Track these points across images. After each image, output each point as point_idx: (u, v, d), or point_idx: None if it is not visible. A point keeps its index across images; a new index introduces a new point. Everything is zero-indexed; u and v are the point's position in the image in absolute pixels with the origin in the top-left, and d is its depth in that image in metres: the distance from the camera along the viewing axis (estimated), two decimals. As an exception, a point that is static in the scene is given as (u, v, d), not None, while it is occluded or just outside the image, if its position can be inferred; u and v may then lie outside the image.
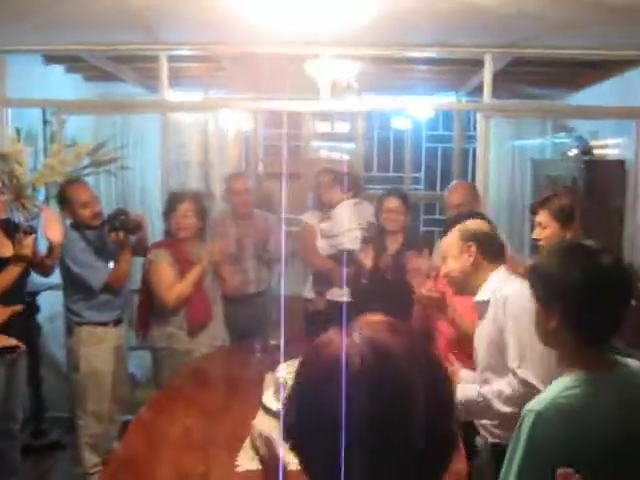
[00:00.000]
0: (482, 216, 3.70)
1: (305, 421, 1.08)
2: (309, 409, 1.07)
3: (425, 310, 3.60)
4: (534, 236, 3.21)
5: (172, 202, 4.08)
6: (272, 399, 3.06)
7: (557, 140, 6.30)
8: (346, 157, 7.40)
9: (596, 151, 5.44)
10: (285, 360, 3.59)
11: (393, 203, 4.29)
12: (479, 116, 4.77)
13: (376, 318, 1.15)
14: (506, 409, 2.54)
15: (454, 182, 4.39)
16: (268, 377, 3.42)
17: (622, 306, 1.84)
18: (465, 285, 2.84)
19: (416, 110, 6.34)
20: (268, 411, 2.99)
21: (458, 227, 2.87)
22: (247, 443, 2.69)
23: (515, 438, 1.80)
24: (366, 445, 1.00)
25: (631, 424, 1.75)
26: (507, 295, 2.59)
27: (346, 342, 1.06)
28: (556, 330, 1.84)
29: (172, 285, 3.89)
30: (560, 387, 1.79)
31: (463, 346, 3.42)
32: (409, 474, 1.04)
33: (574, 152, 5.52)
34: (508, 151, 6.63)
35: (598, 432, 1.73)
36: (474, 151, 7.12)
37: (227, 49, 4.68)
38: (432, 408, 1.03)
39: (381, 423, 1.00)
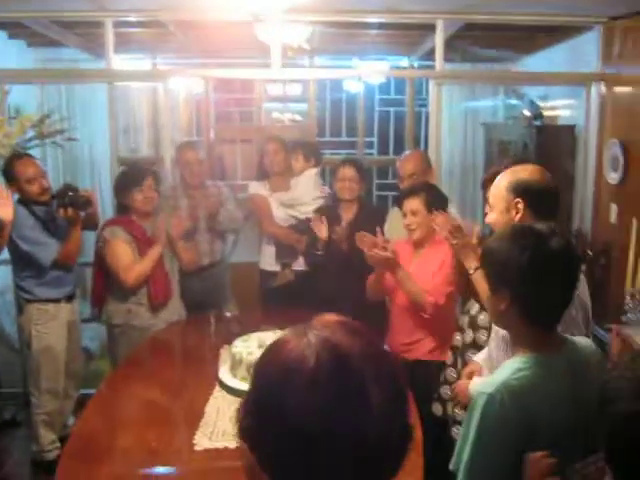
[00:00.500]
0: (436, 188, 3.73)
1: (263, 423, 1.06)
2: (267, 411, 1.06)
3: (378, 273, 3.61)
4: (486, 210, 3.16)
5: (133, 177, 3.94)
6: (228, 375, 3.05)
7: (508, 103, 6.32)
8: (298, 118, 7.37)
9: (546, 113, 5.48)
10: (241, 333, 3.65)
11: (348, 172, 4.25)
12: (431, 83, 4.76)
13: (333, 318, 1.13)
14: None
15: (407, 151, 4.37)
16: (224, 351, 3.42)
17: (570, 289, 1.89)
18: None
19: (368, 77, 6.29)
20: (224, 387, 2.99)
21: (508, 176, 2.52)
22: (204, 421, 2.72)
23: (468, 418, 1.84)
24: (324, 444, 1.00)
25: (580, 401, 1.79)
26: None
27: (302, 342, 1.05)
28: (506, 312, 1.88)
29: (131, 265, 3.80)
30: (511, 369, 1.83)
31: (416, 312, 3.47)
32: (365, 470, 1.05)
33: (525, 116, 5.56)
34: (460, 114, 6.63)
35: (549, 412, 1.77)
36: (427, 114, 7.14)
37: (175, 15, 4.57)
38: (387, 405, 1.03)
39: (337, 421, 1.00)
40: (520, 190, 2.45)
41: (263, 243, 4.75)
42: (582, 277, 2.40)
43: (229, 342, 3.51)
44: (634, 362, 1.08)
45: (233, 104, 7.61)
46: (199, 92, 7.03)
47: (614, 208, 4.42)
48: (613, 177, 4.37)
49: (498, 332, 2.46)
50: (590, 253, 4.39)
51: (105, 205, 5.56)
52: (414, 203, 3.51)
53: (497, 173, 3.10)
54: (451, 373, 3.27)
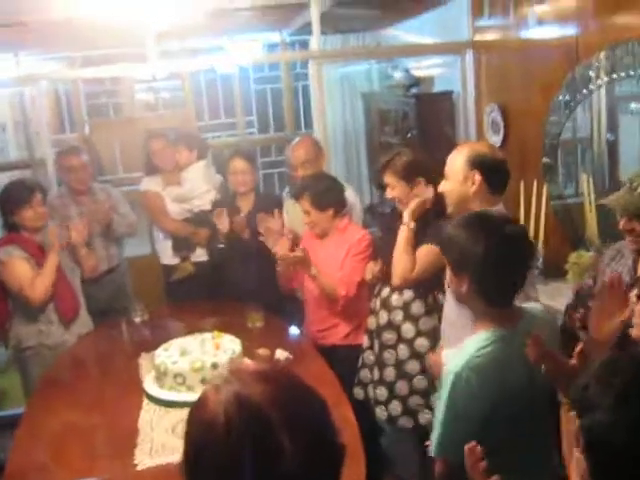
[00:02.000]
0: (332, 178, 3.77)
1: (192, 475, 1.18)
2: (197, 470, 1.17)
3: (288, 269, 3.65)
4: (387, 195, 3.26)
5: (20, 195, 3.74)
6: (154, 386, 3.02)
7: (384, 71, 6.43)
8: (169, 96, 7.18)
9: (420, 76, 5.62)
10: (156, 339, 3.61)
11: (239, 164, 4.24)
12: (311, 63, 4.78)
13: (249, 368, 1.25)
14: None
15: (297, 139, 4.36)
16: (144, 361, 3.37)
17: (525, 270, 2.08)
18: (462, 211, 2.61)
19: (244, 61, 6.23)
20: (152, 399, 2.96)
21: (466, 149, 2.71)
22: (140, 438, 2.68)
23: (439, 398, 2.00)
24: None
25: (536, 372, 1.92)
26: None
27: (216, 399, 1.15)
28: (466, 293, 2.03)
29: (34, 280, 3.65)
30: (474, 347, 1.98)
31: (329, 302, 3.54)
32: None
33: (401, 84, 5.69)
34: (337, 83, 6.68)
35: (512, 384, 1.92)
36: (303, 89, 7.19)
37: (41, 17, 4.35)
38: (301, 445, 1.12)
39: (252, 468, 1.10)
40: (478, 163, 2.63)
41: (160, 238, 4.70)
42: None
43: (146, 350, 3.47)
44: (607, 369, 1.16)
45: (104, 96, 7.37)
46: (66, 86, 6.78)
47: (498, 169, 4.61)
48: (495, 140, 4.55)
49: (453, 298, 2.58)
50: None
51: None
52: (304, 204, 3.57)
53: (389, 161, 3.21)
54: (369, 356, 3.34)
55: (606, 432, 1.07)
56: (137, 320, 3.93)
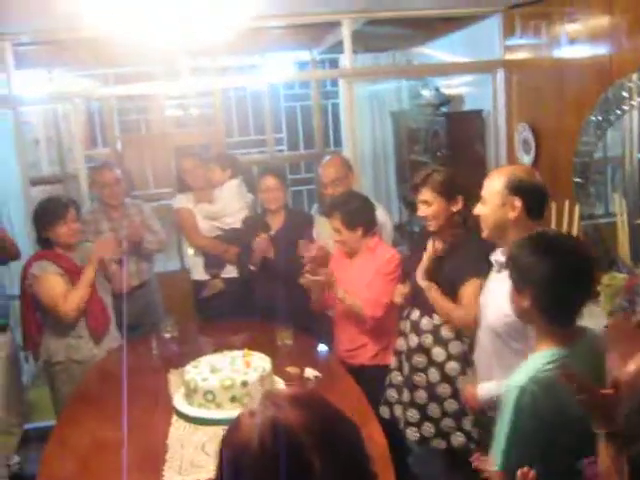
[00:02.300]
0: (363, 197, 3.77)
1: None
2: None
3: (315, 292, 3.67)
4: (420, 214, 3.22)
5: (54, 211, 3.78)
6: (184, 403, 3.03)
7: (414, 89, 6.43)
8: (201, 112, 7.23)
9: (451, 94, 5.62)
10: (185, 355, 3.62)
11: (269, 181, 4.27)
12: (342, 81, 4.80)
13: (282, 393, 1.28)
14: None
15: (327, 157, 4.39)
16: (173, 377, 3.39)
17: (587, 287, 2.11)
18: (498, 235, 2.68)
19: (276, 80, 6.28)
20: (182, 416, 2.97)
21: (506, 174, 2.65)
22: (169, 455, 2.69)
23: (502, 412, 2.00)
24: None
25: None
26: None
27: (251, 424, 1.19)
28: (529, 310, 2.07)
29: (67, 295, 3.69)
30: (539, 363, 2.00)
31: (357, 322, 3.54)
32: None
33: (431, 103, 5.69)
34: (366, 101, 6.70)
35: (575, 405, 1.88)
36: (333, 106, 7.23)
37: (71, 34, 4.43)
38: (332, 470, 1.15)
39: None
40: (518, 189, 2.59)
41: (192, 254, 4.72)
42: None
43: (175, 366, 3.49)
44: None
45: (135, 112, 7.45)
46: (99, 102, 6.86)
47: (529, 190, 4.59)
48: (526, 160, 4.54)
49: (489, 323, 2.67)
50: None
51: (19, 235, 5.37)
52: (334, 222, 3.58)
53: (428, 176, 3.20)
54: (397, 377, 3.34)
55: None
56: (167, 336, 3.95)
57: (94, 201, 4.78)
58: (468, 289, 2.98)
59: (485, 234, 2.73)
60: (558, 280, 2.01)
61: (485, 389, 2.71)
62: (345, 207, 3.57)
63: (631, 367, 1.67)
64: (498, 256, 2.69)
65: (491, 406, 2.63)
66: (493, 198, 2.63)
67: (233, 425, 1.22)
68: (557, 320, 2.08)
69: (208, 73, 5.99)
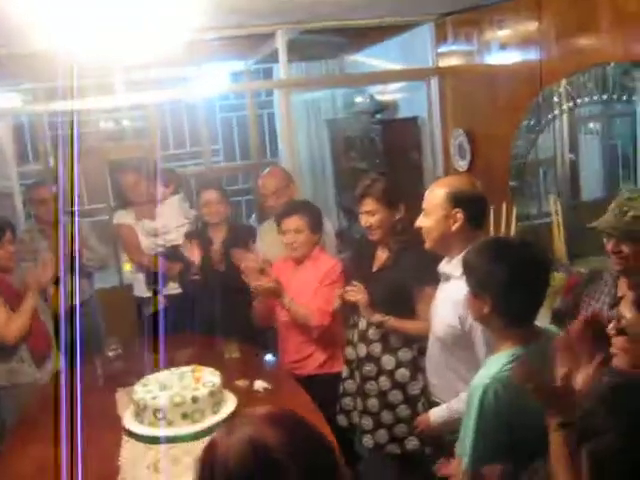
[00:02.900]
0: (314, 207, 3.78)
1: None
2: None
3: (264, 302, 3.65)
4: (363, 224, 3.24)
5: None
6: (134, 422, 2.98)
7: (348, 97, 6.49)
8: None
9: (386, 99, 5.69)
10: (132, 373, 3.56)
11: (210, 195, 4.26)
12: (278, 91, 4.81)
13: (257, 412, 1.27)
14: None
15: (266, 169, 4.42)
16: (120, 396, 3.34)
17: (544, 288, 2.16)
18: (441, 247, 2.72)
19: (211, 92, 6.24)
20: (133, 435, 2.92)
21: (447, 186, 2.67)
22: (121, 476, 2.64)
23: (467, 413, 2.05)
24: None
25: None
26: None
27: (227, 444, 1.18)
28: (489, 315, 2.11)
29: (7, 321, 3.58)
30: (500, 363, 2.05)
31: (303, 331, 3.55)
32: None
33: (366, 111, 5.74)
34: (301, 110, 6.72)
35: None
36: (269, 116, 7.23)
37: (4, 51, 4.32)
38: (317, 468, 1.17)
39: None
40: (460, 201, 2.62)
41: (129, 270, 4.67)
42: None
43: (122, 385, 3.44)
44: (616, 396, 1.19)
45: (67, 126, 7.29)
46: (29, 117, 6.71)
47: (466, 194, 4.68)
48: (461, 164, 4.62)
49: (436, 333, 2.72)
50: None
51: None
52: (297, 222, 3.56)
53: (368, 186, 3.23)
54: (350, 385, 3.35)
55: (616, 456, 1.09)
56: (110, 354, 3.86)
57: (29, 219, 4.67)
58: (425, 299, 3.00)
59: (428, 246, 2.76)
60: (516, 284, 2.06)
61: (436, 414, 2.76)
62: (309, 210, 3.63)
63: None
64: (443, 266, 2.74)
65: (444, 429, 2.70)
66: (435, 210, 2.65)
67: (209, 444, 1.21)
68: (517, 322, 2.13)
69: (142, 86, 5.91)
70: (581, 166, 4.18)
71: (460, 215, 2.60)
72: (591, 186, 4.34)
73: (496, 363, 2.08)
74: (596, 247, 2.65)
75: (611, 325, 1.72)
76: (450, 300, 2.62)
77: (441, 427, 2.71)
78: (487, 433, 2.01)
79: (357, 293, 3.18)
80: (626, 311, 1.67)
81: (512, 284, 2.06)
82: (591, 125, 4.23)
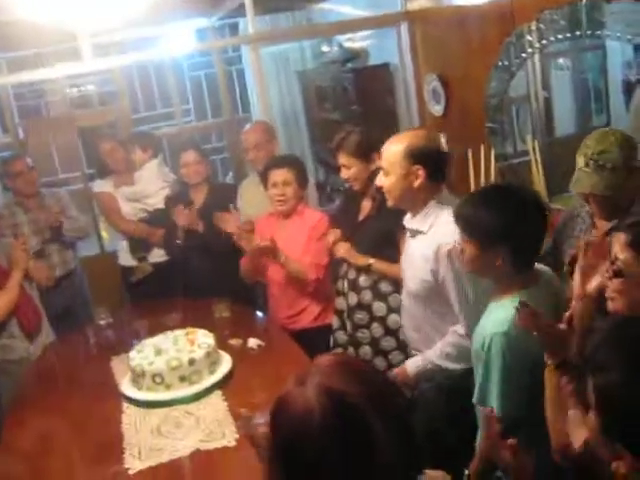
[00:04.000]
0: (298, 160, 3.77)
1: (288, 468, 1.18)
2: (289, 459, 1.18)
3: (254, 259, 3.66)
4: (342, 176, 3.24)
5: None
6: (133, 388, 3.00)
7: (317, 47, 6.41)
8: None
9: (355, 47, 5.64)
10: (125, 340, 3.58)
11: (190, 156, 4.21)
12: (248, 47, 4.75)
13: (326, 361, 1.25)
14: (456, 366, 2.64)
15: (251, 123, 4.39)
16: (116, 364, 3.35)
17: (545, 231, 2.20)
18: (404, 204, 2.70)
19: (178, 52, 6.14)
20: (132, 401, 2.94)
21: (404, 142, 2.58)
22: (126, 442, 2.67)
23: (486, 360, 2.07)
24: (338, 477, 1.14)
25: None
26: (449, 247, 2.49)
27: (304, 396, 1.16)
28: (501, 266, 2.10)
29: None
30: (511, 308, 2.01)
31: (295, 287, 3.57)
32: None
33: (337, 60, 5.69)
34: (271, 62, 6.63)
35: None
36: (237, 72, 7.15)
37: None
38: (392, 438, 1.15)
39: (348, 458, 1.13)
40: (419, 157, 2.56)
41: (117, 238, 4.65)
42: None
43: (116, 353, 3.45)
44: (618, 332, 1.22)
45: (34, 95, 7.18)
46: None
47: (443, 137, 4.68)
48: (437, 109, 4.62)
49: (409, 288, 2.73)
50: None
51: None
52: (286, 174, 3.54)
53: (343, 140, 3.22)
54: (341, 336, 3.37)
55: (618, 391, 1.13)
56: (101, 323, 3.87)
57: (6, 193, 4.62)
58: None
59: (391, 204, 2.73)
60: (528, 231, 2.11)
61: (412, 364, 2.80)
62: (297, 162, 3.65)
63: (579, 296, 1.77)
64: (409, 222, 2.74)
65: (422, 379, 2.76)
66: (394, 169, 2.59)
67: (284, 398, 1.20)
68: (524, 268, 2.16)
69: (107, 50, 5.80)
70: (554, 103, 4.19)
71: (421, 172, 2.56)
72: (565, 122, 4.37)
73: (505, 309, 2.09)
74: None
75: (604, 269, 1.74)
76: (421, 256, 2.64)
77: (418, 377, 2.76)
78: (512, 378, 2.05)
79: (340, 246, 3.21)
80: (619, 252, 1.68)
81: (525, 231, 2.09)
82: (561, 61, 4.24)
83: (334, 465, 1.12)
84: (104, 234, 5.86)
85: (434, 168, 2.59)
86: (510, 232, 2.07)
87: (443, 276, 2.56)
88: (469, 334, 2.47)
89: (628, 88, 3.88)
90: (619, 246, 1.69)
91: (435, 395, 2.72)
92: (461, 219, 2.19)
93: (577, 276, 1.82)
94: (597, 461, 1.23)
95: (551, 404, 1.73)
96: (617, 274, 1.69)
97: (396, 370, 2.90)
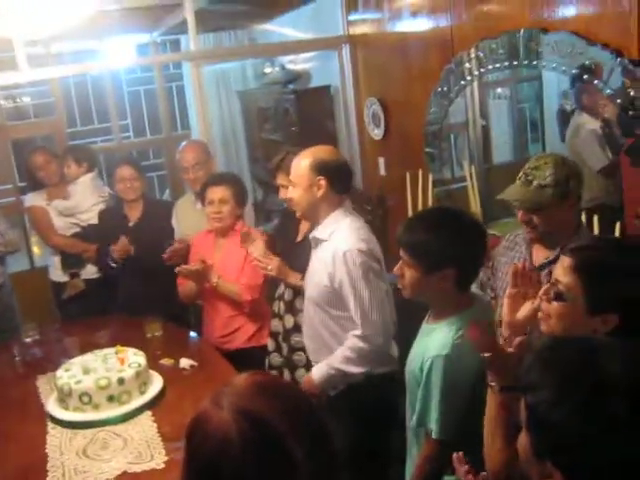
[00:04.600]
0: (242, 182, 3.75)
1: None
2: None
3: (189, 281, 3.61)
4: (281, 197, 3.25)
5: None
6: (58, 408, 2.90)
7: (259, 68, 6.40)
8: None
9: (297, 69, 5.66)
10: (51, 359, 3.47)
11: (126, 172, 4.14)
12: (189, 64, 4.71)
13: (241, 381, 1.23)
14: (357, 369, 2.70)
15: (185, 143, 4.33)
16: (42, 383, 3.25)
17: (484, 252, 2.25)
18: (308, 214, 2.85)
19: (118, 65, 6.06)
20: (57, 422, 2.84)
21: (309, 156, 2.77)
22: (50, 464, 2.57)
23: (425, 382, 2.08)
24: None
25: None
26: (344, 250, 2.65)
27: (221, 418, 1.13)
28: (444, 288, 2.13)
29: None
30: (450, 330, 2.09)
31: (229, 306, 3.53)
32: None
33: (278, 81, 5.69)
34: (211, 82, 6.59)
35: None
36: (177, 89, 7.09)
37: None
38: (310, 452, 1.14)
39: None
40: (322, 169, 2.73)
41: (48, 254, 4.53)
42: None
43: (42, 371, 3.35)
44: (550, 352, 1.23)
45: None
46: None
47: (382, 161, 4.73)
48: (377, 133, 4.66)
49: (308, 295, 2.84)
50: (369, 208, 4.65)
51: None
52: (223, 191, 3.54)
53: (282, 161, 3.23)
54: (276, 358, 3.32)
55: (549, 409, 1.14)
56: (28, 340, 3.75)
57: None
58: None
59: (299, 215, 2.91)
60: (472, 252, 2.15)
61: (317, 372, 2.82)
62: (236, 181, 3.66)
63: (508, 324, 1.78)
64: (313, 233, 2.84)
65: (327, 386, 2.79)
66: (301, 181, 2.77)
67: (200, 420, 1.16)
68: (464, 288, 2.19)
69: (44, 61, 5.69)
70: (492, 131, 4.27)
71: (323, 182, 2.72)
72: (501, 150, 4.45)
73: (447, 331, 2.11)
74: (508, 209, 2.75)
75: (542, 291, 1.74)
76: (321, 262, 2.75)
77: (324, 385, 2.79)
78: (452, 400, 2.05)
79: (268, 264, 3.18)
80: (562, 276, 1.69)
81: (467, 252, 2.13)
82: (499, 90, 4.33)
83: None
84: (35, 249, 5.71)
85: (336, 180, 2.75)
86: (456, 254, 2.10)
87: (340, 279, 2.66)
88: (367, 337, 2.63)
89: (563, 117, 3.96)
90: (562, 269, 1.69)
91: (341, 402, 2.79)
92: (405, 243, 2.18)
93: (506, 304, 1.82)
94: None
95: (489, 427, 1.73)
96: (557, 297, 1.69)
97: (304, 379, 2.92)
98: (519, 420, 1.26)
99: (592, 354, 1.19)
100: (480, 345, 1.70)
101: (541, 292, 1.74)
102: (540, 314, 1.73)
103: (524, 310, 1.77)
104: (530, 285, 1.81)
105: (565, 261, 1.70)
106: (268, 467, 1.10)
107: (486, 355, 1.68)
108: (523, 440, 1.23)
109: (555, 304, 1.70)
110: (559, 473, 1.14)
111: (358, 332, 2.66)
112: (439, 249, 2.10)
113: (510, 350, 1.68)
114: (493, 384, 1.70)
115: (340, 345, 2.75)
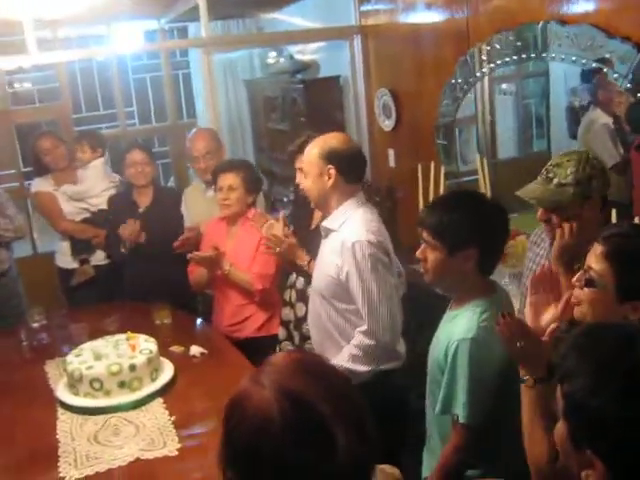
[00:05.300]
0: (254, 169, 3.74)
1: (246, 474, 1.14)
2: (247, 464, 1.13)
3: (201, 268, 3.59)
4: (297, 181, 3.20)
5: None
6: (69, 394, 2.88)
7: (265, 57, 6.37)
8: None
9: (306, 59, 5.63)
10: (59, 344, 3.46)
11: (137, 156, 4.09)
12: (200, 51, 4.67)
13: (281, 360, 1.21)
14: (364, 368, 2.63)
15: (194, 130, 4.30)
16: (50, 368, 3.23)
17: (508, 235, 2.25)
18: (320, 203, 2.79)
19: (127, 51, 6.02)
20: (68, 407, 2.83)
21: (320, 144, 2.70)
22: (62, 450, 2.55)
23: (451, 367, 2.05)
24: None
25: None
26: (353, 241, 2.58)
27: (261, 397, 1.11)
28: (468, 270, 2.11)
29: None
30: (476, 313, 2.07)
31: (240, 295, 3.51)
32: None
33: (286, 71, 5.66)
34: (218, 72, 6.54)
35: None
36: (183, 77, 7.06)
37: None
38: (351, 436, 1.11)
39: (308, 460, 1.09)
40: (332, 157, 2.65)
41: (56, 239, 4.50)
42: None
43: (51, 356, 3.33)
44: (587, 339, 1.22)
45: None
46: None
47: (392, 152, 4.71)
48: (387, 124, 4.63)
49: (315, 285, 2.79)
50: (377, 199, 4.62)
51: None
52: (232, 179, 3.51)
53: (304, 143, 3.17)
54: (287, 347, 3.30)
55: (586, 397, 1.13)
56: (35, 325, 3.72)
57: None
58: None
59: (313, 204, 2.87)
60: (496, 232, 2.14)
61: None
62: (247, 168, 3.62)
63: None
64: (323, 222, 2.79)
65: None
66: (311, 169, 2.71)
67: (240, 398, 1.14)
68: (487, 271, 2.18)
69: (51, 45, 5.65)
70: (497, 126, 4.25)
71: (333, 171, 2.65)
72: (507, 145, 4.44)
73: (472, 315, 2.09)
74: (518, 204, 2.69)
75: (575, 278, 1.74)
76: (330, 252, 2.70)
77: None
78: (480, 384, 2.03)
79: (277, 244, 3.16)
80: (594, 263, 1.69)
81: (492, 232, 2.12)
82: (504, 86, 4.32)
83: (295, 465, 1.08)
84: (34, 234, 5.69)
85: (347, 169, 2.67)
86: (480, 233, 2.09)
87: (347, 271, 2.60)
88: (373, 332, 2.57)
89: (572, 114, 3.95)
90: (594, 257, 1.70)
91: None
92: (428, 224, 2.16)
93: (528, 310, 1.81)
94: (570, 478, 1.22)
95: (527, 420, 1.70)
96: (589, 284, 1.70)
97: None
98: (555, 410, 1.24)
99: (628, 340, 1.19)
100: (512, 335, 1.68)
101: (574, 279, 1.75)
102: (573, 299, 1.72)
103: (547, 315, 1.75)
104: (551, 290, 1.79)
105: (597, 248, 1.70)
106: (309, 449, 1.08)
107: (519, 345, 1.66)
108: (560, 430, 1.21)
109: (587, 290, 1.71)
110: (600, 461, 1.13)
111: (364, 327, 2.60)
112: (462, 228, 2.09)
113: (544, 339, 1.67)
114: (526, 378, 1.68)
115: (344, 338, 2.70)
